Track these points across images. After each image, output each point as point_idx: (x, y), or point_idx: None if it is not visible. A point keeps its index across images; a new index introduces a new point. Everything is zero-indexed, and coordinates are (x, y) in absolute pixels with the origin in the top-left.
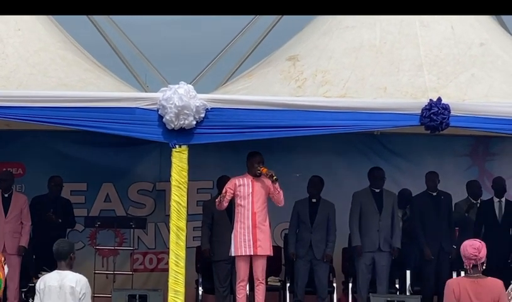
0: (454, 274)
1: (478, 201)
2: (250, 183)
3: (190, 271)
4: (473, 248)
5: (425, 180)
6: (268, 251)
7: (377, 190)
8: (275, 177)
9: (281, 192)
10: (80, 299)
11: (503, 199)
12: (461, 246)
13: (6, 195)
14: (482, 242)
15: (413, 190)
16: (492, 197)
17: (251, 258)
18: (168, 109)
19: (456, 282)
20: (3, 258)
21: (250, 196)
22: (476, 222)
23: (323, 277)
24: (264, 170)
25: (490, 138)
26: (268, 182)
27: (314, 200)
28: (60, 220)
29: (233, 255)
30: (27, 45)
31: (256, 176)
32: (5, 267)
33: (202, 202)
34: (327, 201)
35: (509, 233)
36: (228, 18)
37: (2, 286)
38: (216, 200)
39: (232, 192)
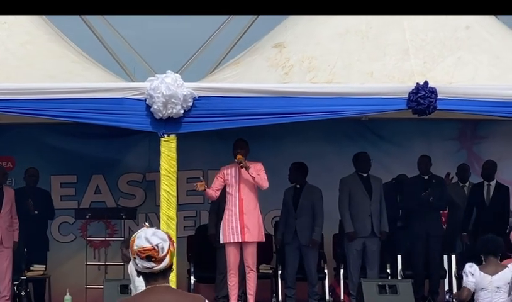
0: (445, 258)
1: (466, 184)
2: (237, 171)
3: (181, 261)
4: None
5: (417, 164)
6: (257, 238)
7: (364, 175)
8: (241, 164)
9: (258, 176)
10: None
11: (492, 183)
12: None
13: None
14: None
15: None
16: (483, 181)
17: (241, 247)
18: (156, 99)
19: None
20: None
21: (237, 183)
22: (467, 205)
23: (312, 264)
24: (238, 157)
25: (478, 121)
26: (253, 168)
27: (298, 186)
28: (36, 212)
29: (221, 242)
30: (14, 38)
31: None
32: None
33: (193, 191)
34: (313, 187)
35: (497, 215)
36: None
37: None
38: (207, 192)
39: (222, 180)
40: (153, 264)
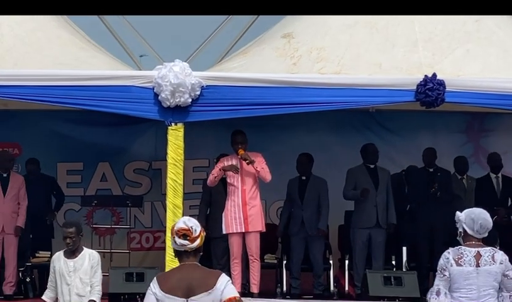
0: None
1: (464, 177)
2: (238, 161)
3: None
4: None
5: (422, 157)
6: (260, 227)
7: (372, 166)
8: (247, 161)
9: (262, 170)
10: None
11: (499, 175)
12: None
13: (5, 175)
14: None
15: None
16: (489, 173)
17: (244, 236)
18: (164, 87)
19: None
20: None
21: (239, 174)
22: (476, 198)
23: (318, 254)
24: (240, 152)
25: (486, 114)
26: (255, 160)
27: (303, 177)
28: (57, 213)
29: (224, 232)
30: (23, 24)
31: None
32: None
33: (200, 180)
34: (318, 178)
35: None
36: None
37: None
38: (210, 178)
39: (222, 171)
40: (188, 242)
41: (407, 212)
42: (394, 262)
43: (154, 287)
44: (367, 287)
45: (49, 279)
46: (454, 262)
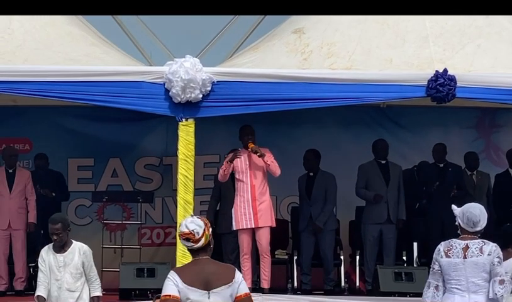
0: None
1: (474, 173)
2: (247, 157)
3: None
4: None
5: (432, 152)
6: (270, 223)
7: (383, 162)
8: (259, 153)
9: (272, 163)
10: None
11: None
12: None
13: (11, 171)
14: None
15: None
16: (508, 169)
17: (253, 231)
18: (175, 83)
19: None
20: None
21: (248, 170)
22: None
23: (327, 250)
24: (250, 146)
25: (496, 110)
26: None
27: (311, 174)
28: (54, 194)
29: (234, 228)
30: (33, 20)
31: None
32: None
33: (211, 176)
34: (326, 173)
35: None
36: None
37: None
38: (220, 173)
39: (231, 166)
40: (192, 243)
41: (418, 208)
42: (405, 258)
43: (175, 279)
44: (377, 282)
45: (39, 275)
46: (444, 253)
